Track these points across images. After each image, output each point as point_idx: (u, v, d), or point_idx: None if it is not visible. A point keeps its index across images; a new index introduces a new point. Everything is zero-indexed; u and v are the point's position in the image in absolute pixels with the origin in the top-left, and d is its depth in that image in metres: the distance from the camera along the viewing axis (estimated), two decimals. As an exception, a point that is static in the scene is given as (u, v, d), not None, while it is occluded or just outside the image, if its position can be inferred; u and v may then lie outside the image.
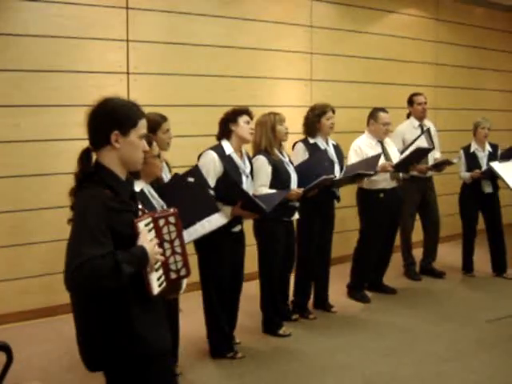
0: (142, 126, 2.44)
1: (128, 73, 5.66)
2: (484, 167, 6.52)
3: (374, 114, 5.87)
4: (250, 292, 5.14)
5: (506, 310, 5.53)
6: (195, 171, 4.15)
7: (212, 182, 4.27)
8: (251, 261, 4.93)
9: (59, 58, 5.36)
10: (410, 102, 6.65)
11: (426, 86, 7.93)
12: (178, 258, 2.53)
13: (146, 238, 2.36)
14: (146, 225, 2.40)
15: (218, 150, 4.39)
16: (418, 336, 5.09)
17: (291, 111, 6.12)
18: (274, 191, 4.70)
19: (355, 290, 6.03)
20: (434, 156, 6.55)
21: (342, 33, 7.17)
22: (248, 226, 4.86)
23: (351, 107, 6.41)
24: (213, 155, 4.33)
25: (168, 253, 2.49)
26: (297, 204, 4.98)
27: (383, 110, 5.88)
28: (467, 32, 8.70)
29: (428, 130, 6.32)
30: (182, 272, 2.54)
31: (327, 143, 5.46)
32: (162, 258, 2.43)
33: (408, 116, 6.68)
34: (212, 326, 4.57)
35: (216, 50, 6.19)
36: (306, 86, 6.86)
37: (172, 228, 2.50)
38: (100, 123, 2.40)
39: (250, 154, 4.83)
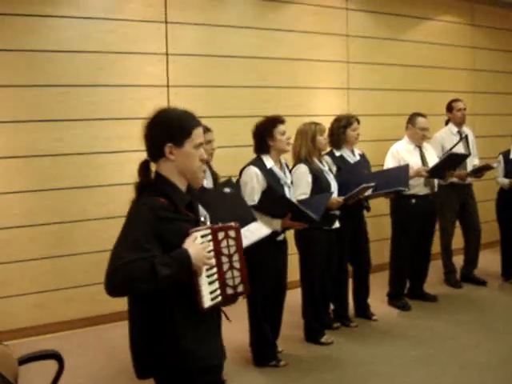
0: (198, 136, 2.42)
1: (168, 86, 5.77)
2: (523, 173, 6.48)
3: (412, 119, 5.89)
4: (292, 301, 5.16)
5: (549, 317, 5.47)
6: (231, 182, 4.24)
7: (257, 197, 4.35)
8: (293, 269, 4.98)
9: (100, 72, 5.49)
10: (449, 108, 6.63)
11: (464, 92, 7.88)
12: (236, 273, 2.46)
13: (191, 242, 2.32)
14: (203, 236, 2.38)
15: (259, 164, 4.45)
16: (460, 344, 5.07)
17: (329, 120, 6.14)
18: (315, 196, 4.75)
19: (395, 298, 6.02)
20: (473, 163, 6.52)
21: (378, 41, 7.20)
22: (290, 234, 4.90)
23: (388, 115, 6.42)
24: (255, 170, 4.40)
25: (226, 267, 2.44)
26: (337, 212, 5.01)
27: (421, 114, 5.89)
28: (503, 36, 8.63)
29: (466, 137, 6.30)
30: (240, 288, 2.47)
31: (353, 153, 5.48)
32: (212, 262, 2.39)
33: (446, 122, 6.66)
34: (256, 334, 4.63)
35: (253, 61, 6.27)
36: (344, 95, 6.90)
37: (231, 242, 2.45)
38: (154, 136, 2.41)
39: (289, 162, 4.88)
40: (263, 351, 4.66)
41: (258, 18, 6.32)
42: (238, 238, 2.47)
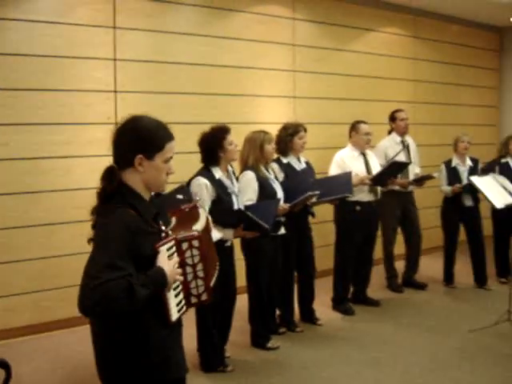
0: (169, 150, 2.38)
1: (115, 91, 5.74)
2: (465, 181, 6.68)
3: (354, 126, 6.04)
4: (239, 306, 5.19)
5: (488, 320, 5.64)
6: (183, 189, 4.26)
7: (207, 207, 4.38)
8: (239, 275, 5.02)
9: (48, 76, 5.43)
10: (392, 118, 6.80)
11: (405, 102, 8.11)
12: (200, 282, 2.45)
13: (165, 259, 2.29)
14: (169, 249, 2.34)
15: (208, 175, 4.49)
16: (402, 347, 5.21)
17: (275, 128, 6.22)
18: (264, 202, 4.83)
19: (339, 303, 6.14)
20: (415, 171, 6.73)
21: (324, 51, 7.33)
22: (235, 240, 4.95)
23: (333, 123, 6.56)
24: (204, 181, 4.43)
25: (190, 277, 2.42)
26: (282, 219, 5.09)
27: (363, 121, 6.06)
28: (444, 49, 8.93)
29: (407, 147, 6.50)
30: (203, 297, 2.47)
31: (299, 161, 5.57)
32: (181, 278, 2.36)
33: (389, 132, 6.83)
34: (204, 340, 4.65)
35: (200, 68, 6.30)
36: (290, 103, 7.00)
37: (195, 252, 2.41)
38: (125, 144, 2.35)
39: (235, 168, 4.94)
40: (211, 357, 4.68)
41: (207, 25, 6.35)
42: (201, 247, 2.43)
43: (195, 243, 2.42)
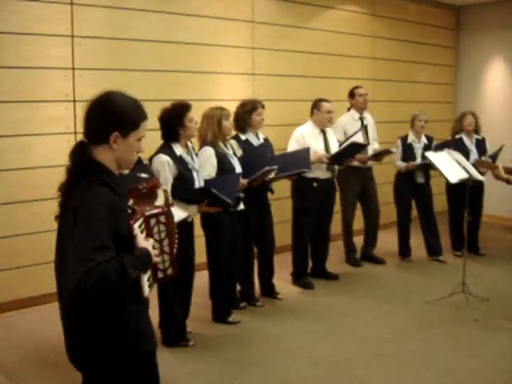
0: (143, 129, 2.39)
1: (73, 68, 5.68)
2: (419, 158, 6.85)
3: (317, 104, 6.10)
4: (200, 282, 5.28)
5: (443, 291, 5.82)
6: (145, 166, 4.28)
7: (170, 184, 4.42)
8: (200, 252, 5.08)
9: (3, 53, 5.33)
10: (351, 94, 6.88)
11: (364, 80, 8.19)
12: (166, 257, 2.50)
13: (146, 240, 2.32)
14: (140, 225, 2.35)
15: (169, 151, 4.51)
16: (360, 319, 5.35)
17: (234, 105, 6.25)
18: (224, 176, 4.89)
19: (299, 278, 6.25)
20: (373, 147, 6.84)
21: (283, 28, 7.34)
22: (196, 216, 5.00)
23: (292, 100, 6.59)
24: (166, 159, 4.45)
25: (157, 252, 2.43)
26: (242, 195, 5.14)
27: (325, 100, 6.12)
28: (403, 27, 9.02)
29: (366, 127, 6.60)
30: (169, 271, 2.52)
31: (258, 137, 5.62)
32: (158, 259, 2.40)
33: (349, 109, 6.92)
34: (165, 316, 4.70)
35: (159, 45, 6.26)
36: (249, 80, 7.02)
37: (162, 227, 2.45)
38: (100, 121, 2.32)
39: (194, 145, 4.97)
40: (173, 332, 4.73)
41: (166, 2, 6.30)
42: (167, 223, 2.47)
43: (162, 219, 2.46)
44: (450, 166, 5.71)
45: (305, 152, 5.70)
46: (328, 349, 4.72)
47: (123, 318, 2.33)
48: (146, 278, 2.38)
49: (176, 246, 2.60)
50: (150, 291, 2.44)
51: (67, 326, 2.36)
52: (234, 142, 5.44)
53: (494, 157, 6.85)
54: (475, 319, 5.30)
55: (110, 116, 2.32)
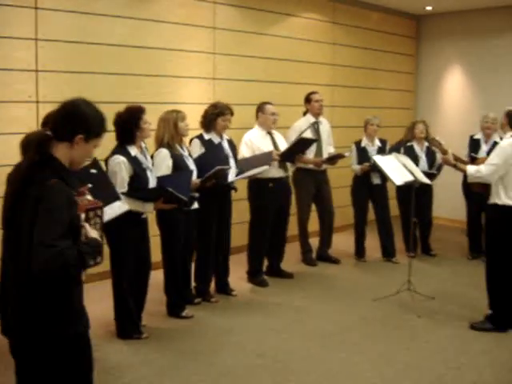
0: (100, 140, 2.69)
1: (37, 70, 5.84)
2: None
3: (261, 107, 6.36)
4: (158, 279, 5.50)
5: (392, 290, 6.09)
6: (97, 164, 4.49)
7: (126, 184, 4.66)
8: (157, 251, 5.32)
9: (-33, 55, 5.50)
10: (307, 99, 7.11)
11: (324, 85, 8.48)
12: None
13: (90, 230, 2.58)
14: (84, 217, 2.61)
15: (124, 153, 4.71)
16: (309, 315, 5.61)
17: (195, 108, 6.48)
18: (177, 173, 5.11)
19: (254, 276, 6.48)
20: (328, 151, 7.09)
21: (244, 34, 7.57)
22: (151, 215, 5.21)
23: (251, 104, 6.78)
24: (122, 159, 4.66)
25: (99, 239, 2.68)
26: (196, 194, 5.37)
27: (269, 102, 6.38)
28: (362, 35, 9.30)
29: (314, 124, 6.87)
30: (98, 259, 2.69)
31: (221, 138, 5.83)
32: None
33: (304, 113, 7.16)
34: (120, 309, 4.90)
35: (122, 49, 6.43)
36: (209, 85, 7.22)
37: (98, 220, 2.70)
38: (72, 121, 2.59)
39: (151, 147, 5.20)
40: (127, 324, 4.93)
41: (129, 7, 6.48)
42: (102, 216, 2.75)
43: (99, 212, 2.73)
44: (396, 169, 5.98)
45: (269, 154, 5.98)
46: (274, 342, 4.95)
47: (70, 299, 2.59)
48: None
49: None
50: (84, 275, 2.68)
51: (16, 306, 2.58)
52: (197, 141, 5.67)
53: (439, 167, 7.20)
54: (418, 315, 5.57)
55: (83, 120, 2.60)
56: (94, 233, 2.60)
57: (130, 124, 4.74)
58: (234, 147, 5.98)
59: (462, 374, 4.44)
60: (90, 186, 2.82)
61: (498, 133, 6.96)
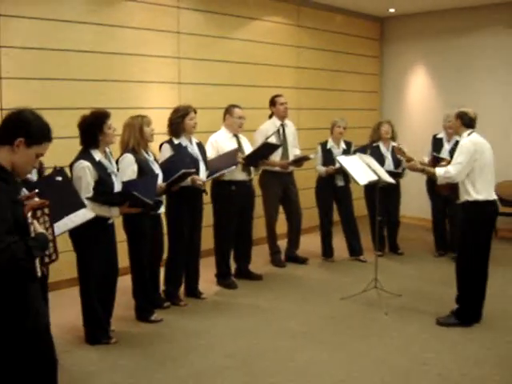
0: (44, 148, 2.77)
1: (1, 78, 5.81)
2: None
3: (229, 110, 6.41)
4: (126, 285, 5.49)
5: (359, 288, 6.16)
6: (62, 171, 4.50)
7: (91, 188, 4.65)
8: (125, 256, 5.32)
9: None
10: (273, 102, 7.18)
11: (289, 88, 8.55)
12: (51, 244, 2.83)
13: (38, 226, 2.68)
14: (31, 215, 2.70)
15: (89, 157, 4.71)
16: (278, 315, 5.65)
17: (161, 113, 6.49)
18: (143, 178, 5.12)
19: (223, 278, 6.51)
20: (294, 153, 7.17)
21: (208, 38, 7.61)
22: (118, 220, 5.22)
23: (217, 108, 6.82)
24: (87, 164, 4.66)
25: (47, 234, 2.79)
26: (162, 198, 5.40)
27: (237, 106, 6.43)
28: (328, 38, 9.41)
29: (278, 130, 6.93)
30: (53, 256, 2.87)
31: (191, 142, 5.87)
32: (50, 244, 2.79)
33: (270, 116, 7.22)
34: (88, 314, 4.89)
35: (87, 55, 6.42)
36: (174, 89, 7.25)
37: (46, 218, 2.81)
38: (12, 125, 2.70)
39: (116, 152, 5.22)
40: (95, 330, 4.93)
41: (93, 13, 6.47)
42: (49, 214, 2.84)
43: (46, 210, 2.83)
44: (360, 169, 6.07)
45: (233, 152, 6.04)
46: (243, 343, 4.99)
47: (26, 295, 2.67)
48: (38, 261, 2.71)
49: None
50: (40, 273, 2.75)
51: None
52: (167, 146, 5.69)
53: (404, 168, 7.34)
54: (385, 313, 5.65)
55: (24, 124, 2.70)
56: (41, 228, 2.69)
57: (93, 128, 4.75)
58: (203, 150, 6.01)
59: (428, 369, 4.52)
60: (37, 191, 2.86)
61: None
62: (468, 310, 5.34)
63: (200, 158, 5.87)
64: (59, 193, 4.28)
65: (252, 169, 6.49)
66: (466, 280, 5.30)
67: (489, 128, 6.94)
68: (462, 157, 5.13)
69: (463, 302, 5.34)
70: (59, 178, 4.38)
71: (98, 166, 4.72)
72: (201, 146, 6.01)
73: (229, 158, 6.00)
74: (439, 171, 5.23)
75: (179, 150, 5.69)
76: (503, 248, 8.00)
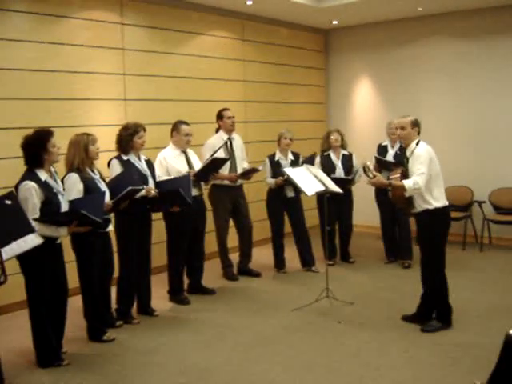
0: None
1: None
2: (287, 174, 7.26)
3: (176, 126, 6.39)
4: (77, 305, 5.42)
5: (312, 298, 6.22)
6: (12, 195, 4.43)
7: (38, 209, 4.57)
8: (75, 275, 5.25)
9: None
10: (219, 116, 7.19)
11: (236, 102, 8.60)
12: None
13: None
14: None
15: (34, 177, 4.64)
16: (231, 328, 5.65)
17: (106, 130, 6.48)
18: (88, 196, 5.05)
19: (175, 294, 6.48)
20: (243, 166, 7.19)
21: (153, 54, 7.59)
22: (65, 240, 5.15)
23: (163, 123, 6.80)
24: (32, 185, 4.59)
25: None
26: (110, 216, 5.35)
27: (185, 122, 6.42)
28: (273, 51, 9.49)
29: (226, 143, 6.95)
30: (1, 279, 2.82)
31: (139, 159, 5.85)
32: None
33: (217, 130, 7.23)
34: (38, 337, 4.80)
35: (30, 73, 6.34)
36: (120, 106, 7.20)
37: None
38: None
39: (61, 170, 5.16)
40: (46, 352, 4.84)
41: (35, 31, 6.39)
42: None
43: None
44: (307, 180, 6.13)
45: (186, 178, 5.98)
46: (198, 358, 4.97)
47: None
48: None
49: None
50: None
51: None
52: (115, 162, 5.67)
53: (355, 173, 7.48)
54: (338, 321, 5.71)
55: None
56: None
57: (37, 147, 4.69)
58: (152, 167, 5.99)
59: (382, 374, 4.58)
60: None
61: (400, 142, 7.17)
62: (447, 310, 5.46)
63: (148, 173, 5.84)
64: (7, 217, 4.21)
65: (202, 183, 6.47)
66: (440, 283, 5.39)
67: (437, 136, 7.11)
68: (424, 166, 5.20)
69: (441, 304, 5.45)
70: (8, 202, 4.30)
71: (43, 186, 4.66)
72: (149, 163, 5.98)
73: (183, 183, 5.91)
74: (408, 183, 5.19)
75: (128, 167, 5.66)
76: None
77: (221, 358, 4.97)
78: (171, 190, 5.73)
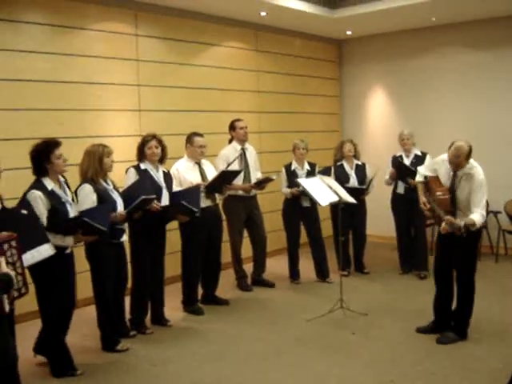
0: None
1: (-45, 108, 5.77)
2: (303, 184, 7.26)
3: (190, 138, 6.41)
4: (92, 315, 5.44)
5: (326, 309, 6.20)
6: (28, 204, 4.46)
7: (45, 218, 4.59)
8: (89, 286, 5.27)
9: None
10: (232, 127, 7.20)
11: (250, 112, 8.62)
12: (20, 277, 2.81)
13: (4, 265, 2.64)
14: None
15: (40, 186, 4.68)
16: (244, 339, 5.63)
17: (121, 140, 6.52)
18: (98, 206, 5.05)
19: (189, 305, 6.48)
20: (256, 176, 7.19)
21: (168, 65, 7.64)
22: (80, 249, 5.17)
23: (178, 134, 6.83)
24: (39, 194, 4.61)
25: (12, 274, 2.73)
26: (124, 226, 5.37)
27: (198, 134, 6.43)
28: (286, 61, 9.51)
29: (240, 156, 6.96)
30: (23, 290, 2.84)
31: (157, 169, 5.88)
32: (19, 278, 2.74)
33: (230, 141, 7.25)
34: (53, 348, 4.83)
35: (45, 85, 6.39)
36: (135, 117, 7.25)
37: (14, 251, 2.78)
38: None
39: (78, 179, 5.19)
40: (60, 362, 4.86)
41: (50, 42, 6.45)
42: (18, 247, 2.81)
43: (13, 243, 2.81)
44: (321, 190, 6.13)
45: (196, 190, 6.00)
46: (211, 370, 4.96)
47: None
48: (5, 297, 2.68)
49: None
50: (9, 308, 2.71)
51: None
52: (132, 171, 5.73)
53: (369, 183, 7.46)
54: (352, 332, 5.68)
55: None
56: (6, 268, 2.66)
57: (41, 157, 4.73)
58: (169, 179, 6.02)
59: (395, 386, 4.55)
60: None
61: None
62: (467, 323, 5.45)
63: (163, 185, 5.86)
64: (22, 226, 4.23)
65: (216, 194, 6.49)
66: (471, 296, 5.38)
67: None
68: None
69: (464, 316, 5.43)
70: (24, 212, 4.33)
71: (50, 194, 4.68)
72: (167, 175, 6.01)
73: (193, 194, 5.94)
74: (478, 220, 5.07)
75: (143, 176, 5.69)
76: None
77: (233, 369, 4.96)
78: (175, 204, 5.75)
